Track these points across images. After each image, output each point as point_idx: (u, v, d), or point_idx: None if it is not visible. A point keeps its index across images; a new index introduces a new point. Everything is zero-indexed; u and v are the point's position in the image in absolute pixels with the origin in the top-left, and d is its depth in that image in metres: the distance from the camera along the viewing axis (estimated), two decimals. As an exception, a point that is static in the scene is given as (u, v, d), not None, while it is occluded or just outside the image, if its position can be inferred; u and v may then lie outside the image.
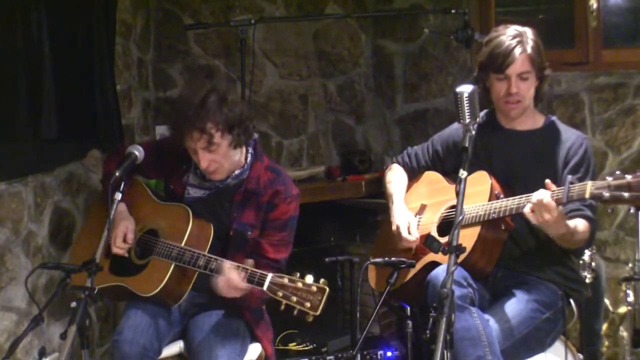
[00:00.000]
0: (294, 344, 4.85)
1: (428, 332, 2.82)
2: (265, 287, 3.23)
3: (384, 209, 4.08)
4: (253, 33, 4.79)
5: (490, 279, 3.58)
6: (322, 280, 3.18)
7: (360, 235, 5.37)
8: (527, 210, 3.27)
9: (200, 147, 3.46)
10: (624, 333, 4.85)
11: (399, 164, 3.97)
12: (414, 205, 3.78)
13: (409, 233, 3.63)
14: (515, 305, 3.48)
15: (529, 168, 3.55)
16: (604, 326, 4.90)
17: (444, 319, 2.73)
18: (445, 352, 2.71)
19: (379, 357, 4.81)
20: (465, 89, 3.09)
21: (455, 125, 3.75)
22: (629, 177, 2.99)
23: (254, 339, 3.70)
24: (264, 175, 3.65)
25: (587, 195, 3.10)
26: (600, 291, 4.57)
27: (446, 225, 3.60)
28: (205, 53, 5.27)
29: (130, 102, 4.77)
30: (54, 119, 3.97)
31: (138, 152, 3.61)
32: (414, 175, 3.91)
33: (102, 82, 4.28)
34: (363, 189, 5.19)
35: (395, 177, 3.91)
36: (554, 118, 3.69)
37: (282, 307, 3.20)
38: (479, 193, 3.49)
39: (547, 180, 3.25)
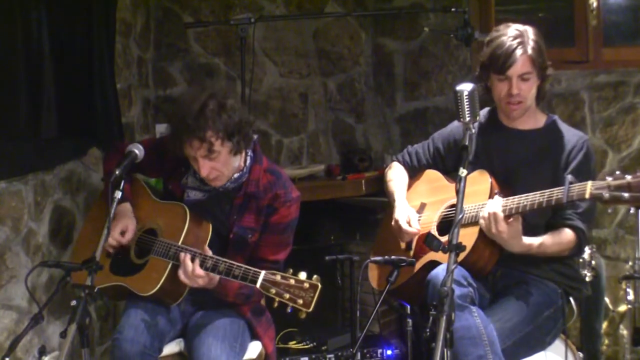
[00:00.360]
0: (294, 342, 4.86)
1: (428, 330, 2.82)
2: (258, 285, 3.22)
3: (384, 208, 4.09)
4: (253, 31, 4.79)
5: (490, 278, 3.58)
6: (314, 276, 3.17)
7: (360, 233, 5.37)
8: (480, 222, 3.32)
9: (201, 156, 3.45)
10: (624, 331, 4.85)
11: (399, 162, 3.97)
12: (414, 203, 3.78)
13: (410, 225, 3.63)
14: (516, 305, 3.48)
15: (530, 167, 3.55)
16: (604, 325, 4.90)
17: (444, 318, 2.74)
18: (445, 350, 2.71)
19: (379, 355, 4.81)
20: (465, 87, 3.09)
21: (456, 123, 3.75)
22: (629, 178, 2.98)
23: (255, 337, 3.71)
24: (264, 178, 3.64)
25: (587, 196, 3.09)
26: (600, 290, 4.57)
27: (446, 224, 3.60)
28: (205, 51, 5.27)
29: (130, 101, 4.77)
30: (54, 118, 3.97)
31: (138, 150, 3.60)
32: (414, 173, 3.91)
33: (102, 80, 4.28)
34: (363, 187, 5.18)
35: (396, 175, 3.91)
36: (555, 117, 3.68)
37: (276, 304, 3.20)
38: (479, 192, 3.49)
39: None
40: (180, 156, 3.54)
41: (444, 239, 3.45)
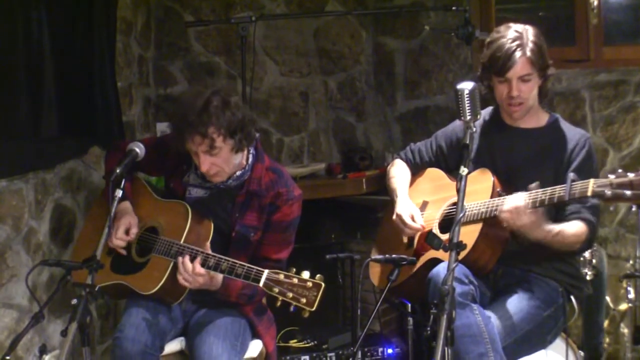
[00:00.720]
0: (295, 340, 4.85)
1: (429, 329, 2.82)
2: (261, 284, 3.22)
3: (385, 206, 4.09)
4: (254, 30, 4.78)
5: (491, 276, 3.58)
6: (318, 275, 3.17)
7: (361, 232, 5.37)
8: (503, 216, 3.30)
9: (202, 151, 3.45)
10: (624, 330, 4.85)
11: (401, 159, 3.97)
12: (417, 201, 3.79)
13: (413, 221, 3.63)
14: (517, 303, 3.49)
15: (532, 166, 3.55)
16: (605, 323, 4.90)
17: (445, 316, 2.74)
18: (446, 348, 2.71)
19: (379, 354, 4.81)
20: (466, 86, 3.09)
21: (459, 121, 3.73)
22: (631, 175, 2.99)
23: (256, 335, 3.71)
24: (266, 176, 3.64)
25: (589, 193, 3.10)
26: (601, 288, 4.57)
27: (448, 222, 3.60)
28: (205, 50, 5.27)
29: (131, 100, 4.77)
30: (55, 116, 3.97)
31: (139, 149, 3.60)
32: (416, 171, 3.91)
33: (103, 79, 4.28)
34: (364, 186, 5.18)
35: (398, 172, 3.91)
36: (557, 116, 3.68)
37: (279, 303, 3.20)
38: (481, 190, 3.49)
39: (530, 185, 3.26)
40: (182, 152, 3.54)
41: (445, 237, 3.45)
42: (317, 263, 4.22)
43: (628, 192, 2.98)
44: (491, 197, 3.46)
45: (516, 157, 3.60)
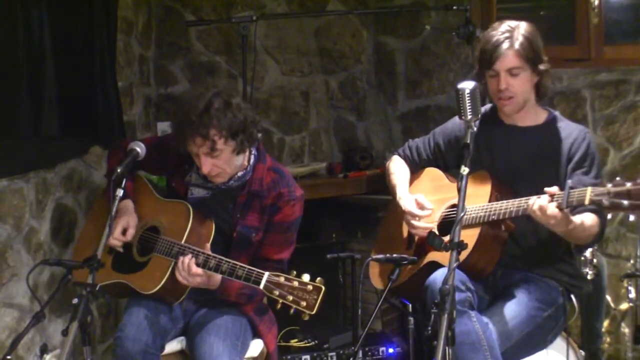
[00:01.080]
0: (296, 340, 4.85)
1: (429, 328, 2.82)
2: (261, 286, 3.21)
3: (386, 206, 4.09)
4: (255, 29, 4.78)
5: (491, 278, 3.56)
6: (318, 279, 3.16)
7: (361, 231, 5.38)
8: (529, 211, 3.24)
9: (203, 153, 3.44)
10: (625, 330, 4.85)
11: (400, 156, 3.96)
12: None
13: (424, 208, 3.61)
14: (516, 306, 3.46)
15: (532, 165, 3.53)
16: (606, 323, 4.90)
17: (446, 316, 2.73)
18: (447, 348, 2.71)
19: (380, 353, 4.82)
20: (467, 86, 3.09)
21: (457, 119, 3.72)
22: (629, 185, 2.95)
23: (257, 335, 3.71)
24: (267, 177, 3.63)
25: (586, 202, 3.06)
26: (601, 289, 4.57)
27: (446, 225, 3.58)
28: (206, 49, 5.27)
29: (131, 99, 4.77)
30: (55, 116, 3.97)
31: (140, 148, 3.60)
32: (415, 168, 3.89)
33: (104, 78, 4.28)
34: (364, 185, 5.18)
35: (398, 168, 3.89)
36: (555, 113, 3.65)
37: (279, 306, 3.19)
38: (480, 194, 3.46)
39: (546, 189, 3.21)
40: (183, 153, 3.53)
41: (445, 239, 3.44)
42: (317, 262, 4.22)
43: (625, 202, 2.95)
44: (489, 201, 3.44)
45: (515, 155, 3.57)
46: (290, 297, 3.15)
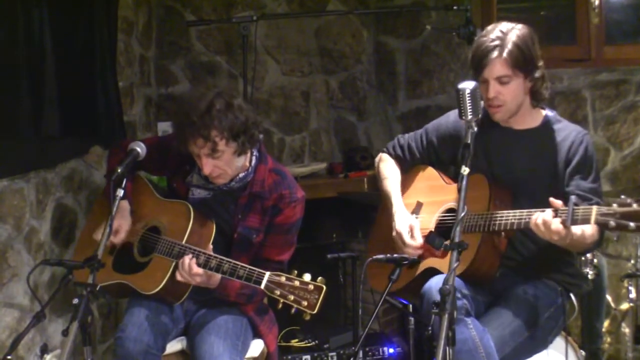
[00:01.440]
0: (296, 340, 4.86)
1: (430, 328, 2.81)
2: (262, 286, 3.21)
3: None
4: (255, 29, 4.78)
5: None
6: (319, 278, 3.15)
7: (362, 231, 5.37)
8: (532, 225, 3.20)
9: (204, 154, 3.44)
10: (625, 330, 4.85)
11: (390, 155, 3.87)
12: (410, 201, 3.71)
13: (412, 238, 3.55)
14: (515, 309, 3.42)
15: (530, 170, 3.47)
16: (606, 323, 4.90)
17: (446, 316, 2.73)
18: (447, 348, 2.71)
19: (381, 353, 4.82)
20: (467, 86, 3.08)
21: (452, 117, 3.66)
22: (635, 206, 2.89)
23: (257, 335, 3.71)
24: (269, 178, 3.63)
25: (592, 222, 3.00)
26: (602, 288, 4.57)
27: (442, 230, 3.53)
28: (207, 49, 5.27)
29: (132, 99, 4.77)
30: (56, 116, 3.97)
31: (140, 148, 3.59)
32: (406, 167, 3.81)
33: (104, 78, 4.28)
34: (365, 185, 5.18)
35: (390, 172, 3.81)
36: (552, 114, 3.57)
37: (280, 305, 3.18)
38: (478, 198, 3.38)
39: (552, 199, 3.15)
40: (184, 153, 3.53)
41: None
42: (318, 262, 4.22)
43: (632, 224, 2.88)
44: (488, 208, 3.38)
45: (512, 159, 3.50)
46: (292, 297, 3.15)
